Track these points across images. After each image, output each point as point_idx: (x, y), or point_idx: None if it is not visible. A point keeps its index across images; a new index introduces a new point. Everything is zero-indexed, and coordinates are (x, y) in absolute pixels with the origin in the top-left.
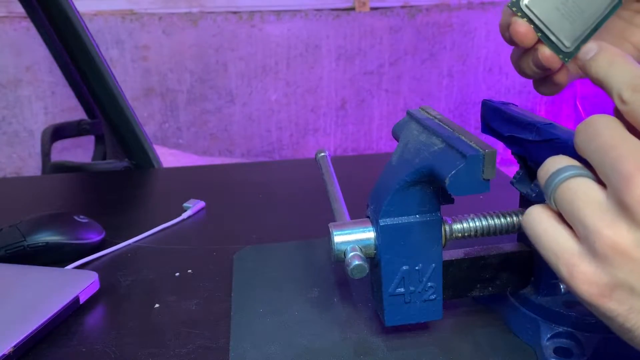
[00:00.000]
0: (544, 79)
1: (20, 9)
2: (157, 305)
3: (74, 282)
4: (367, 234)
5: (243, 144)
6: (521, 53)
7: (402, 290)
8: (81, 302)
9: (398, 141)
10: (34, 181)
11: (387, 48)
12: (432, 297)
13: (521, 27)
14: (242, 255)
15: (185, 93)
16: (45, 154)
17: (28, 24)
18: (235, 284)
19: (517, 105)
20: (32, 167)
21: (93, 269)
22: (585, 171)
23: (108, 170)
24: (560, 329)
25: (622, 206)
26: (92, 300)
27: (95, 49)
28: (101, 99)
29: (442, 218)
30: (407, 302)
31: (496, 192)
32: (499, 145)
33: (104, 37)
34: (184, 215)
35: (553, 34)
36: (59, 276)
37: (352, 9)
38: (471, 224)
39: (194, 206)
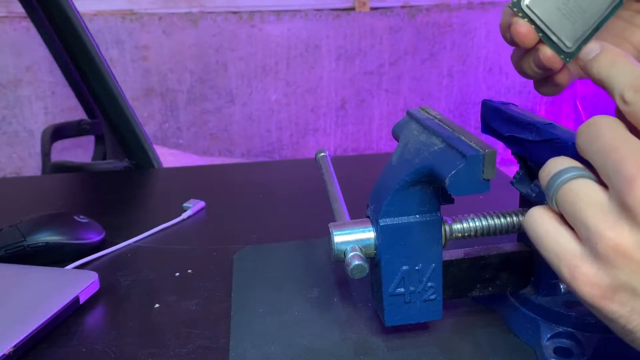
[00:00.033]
0: (544, 80)
1: (20, 9)
2: (157, 305)
3: (74, 282)
4: (367, 234)
5: (243, 144)
6: (522, 53)
7: (402, 290)
8: (81, 302)
9: (398, 141)
10: (34, 181)
11: (387, 48)
12: (432, 297)
13: (522, 28)
14: (242, 255)
15: (185, 93)
16: (45, 154)
17: (28, 24)
18: (235, 284)
19: (517, 105)
20: (32, 167)
21: (93, 269)
22: (587, 172)
23: (108, 170)
24: (560, 329)
25: (624, 208)
26: (92, 300)
27: (95, 49)
28: (101, 99)
29: (442, 218)
30: (407, 302)
31: (496, 192)
32: (499, 145)
33: (104, 37)
34: (184, 215)
35: (554, 34)
36: (59, 276)
37: (352, 9)
38: (471, 224)
39: (194, 206)
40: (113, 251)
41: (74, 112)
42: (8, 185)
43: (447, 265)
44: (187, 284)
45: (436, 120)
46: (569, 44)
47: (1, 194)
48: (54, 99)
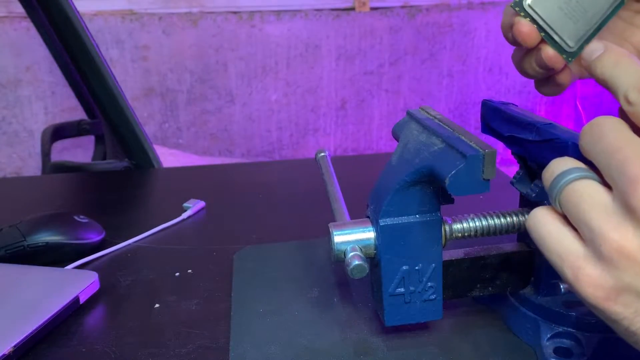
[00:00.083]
0: (546, 80)
1: (20, 9)
2: (157, 305)
3: (74, 282)
4: (367, 234)
5: (243, 144)
6: (524, 53)
7: (402, 290)
8: (81, 302)
9: (398, 141)
10: (34, 181)
11: (387, 48)
12: (432, 297)
13: (524, 27)
14: (242, 255)
15: (185, 93)
16: (45, 154)
17: (28, 24)
18: (235, 284)
19: (517, 105)
20: (32, 167)
21: (93, 269)
22: (591, 173)
23: (108, 170)
24: (560, 329)
25: (628, 209)
26: (92, 300)
27: (95, 49)
28: (101, 99)
29: (442, 218)
30: (407, 302)
31: (496, 192)
32: (499, 145)
33: (104, 37)
34: (184, 215)
35: (556, 33)
36: (59, 276)
37: (352, 9)
38: (471, 224)
39: (194, 206)
40: (113, 251)
41: (74, 112)
42: (8, 185)
43: (447, 265)
44: (187, 284)
45: (436, 120)
46: (571, 43)
47: (1, 194)
48: (54, 99)
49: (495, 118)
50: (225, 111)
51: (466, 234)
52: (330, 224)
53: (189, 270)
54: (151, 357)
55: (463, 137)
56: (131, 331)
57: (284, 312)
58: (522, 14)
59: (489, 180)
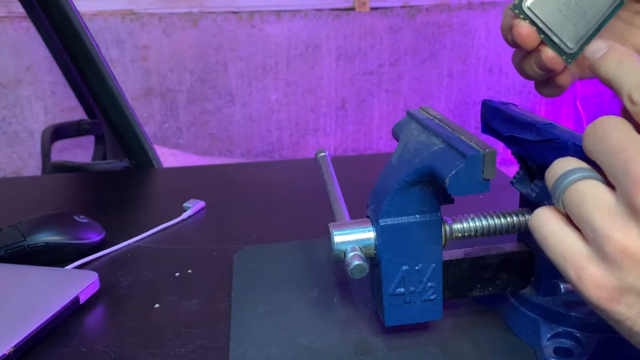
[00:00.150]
0: (546, 81)
1: (20, 9)
2: (157, 305)
3: (74, 282)
4: (367, 234)
5: (243, 144)
6: (524, 55)
7: (402, 290)
8: (81, 302)
9: (398, 141)
10: (34, 181)
11: (387, 48)
12: (432, 297)
13: (524, 29)
14: (242, 255)
15: (185, 93)
16: (45, 154)
17: (28, 24)
18: (235, 284)
19: (517, 105)
20: (32, 167)
21: (93, 269)
22: (594, 173)
23: (108, 170)
24: (560, 329)
25: (632, 209)
26: (92, 300)
27: (95, 49)
28: (101, 99)
29: (442, 218)
30: (407, 302)
31: (496, 192)
32: (499, 145)
33: (104, 37)
34: (184, 215)
35: (556, 35)
36: (59, 276)
37: (352, 9)
38: (471, 224)
39: (194, 206)
40: (113, 251)
41: (74, 112)
42: (8, 185)
43: (447, 265)
44: (187, 284)
45: (436, 120)
46: (570, 45)
47: (1, 194)
48: (54, 99)
49: (495, 118)
50: (225, 111)
51: (466, 234)
52: (330, 224)
53: (189, 270)
54: (151, 357)
55: (463, 137)
56: (131, 331)
57: (284, 312)
58: (522, 16)
59: (489, 180)
